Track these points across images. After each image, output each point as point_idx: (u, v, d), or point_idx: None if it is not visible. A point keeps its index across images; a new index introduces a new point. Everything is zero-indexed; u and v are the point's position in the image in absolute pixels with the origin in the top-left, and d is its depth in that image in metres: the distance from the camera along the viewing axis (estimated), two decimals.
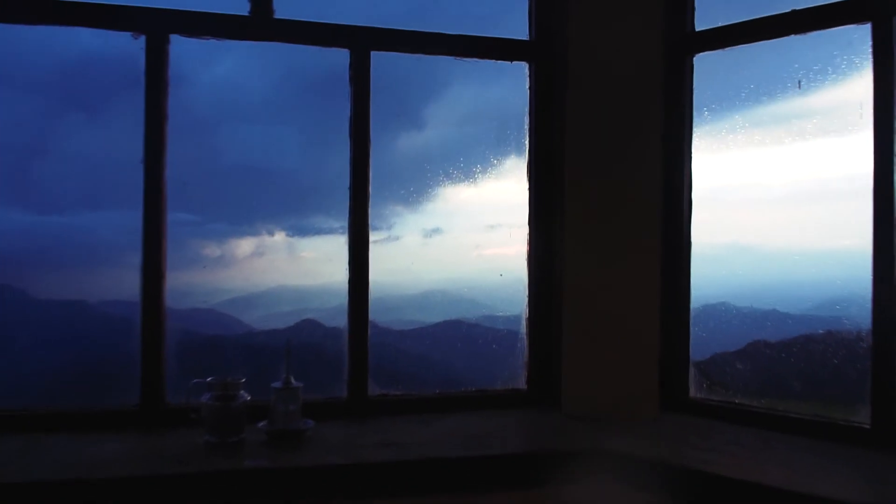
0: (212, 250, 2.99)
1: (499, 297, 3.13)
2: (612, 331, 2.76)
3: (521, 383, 3.04)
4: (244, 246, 3.04)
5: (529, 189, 3.03)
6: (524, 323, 3.06)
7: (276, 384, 2.43)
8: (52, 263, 3.02)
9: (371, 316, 2.77)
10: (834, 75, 2.58)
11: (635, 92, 2.78)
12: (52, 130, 2.91)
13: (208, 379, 2.35)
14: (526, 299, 3.05)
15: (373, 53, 2.78)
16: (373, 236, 2.77)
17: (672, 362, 2.84)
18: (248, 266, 3.07)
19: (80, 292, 3.00)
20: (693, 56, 2.83)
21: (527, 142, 3.04)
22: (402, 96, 2.98)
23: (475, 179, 3.10)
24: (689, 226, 2.88)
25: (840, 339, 2.64)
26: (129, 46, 2.53)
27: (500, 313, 3.18)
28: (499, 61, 2.99)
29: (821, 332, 2.74)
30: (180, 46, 2.58)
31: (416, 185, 3.07)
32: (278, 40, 2.73)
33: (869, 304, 2.38)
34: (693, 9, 2.85)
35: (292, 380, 2.46)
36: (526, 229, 3.01)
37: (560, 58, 2.88)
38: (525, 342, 3.07)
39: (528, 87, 3.01)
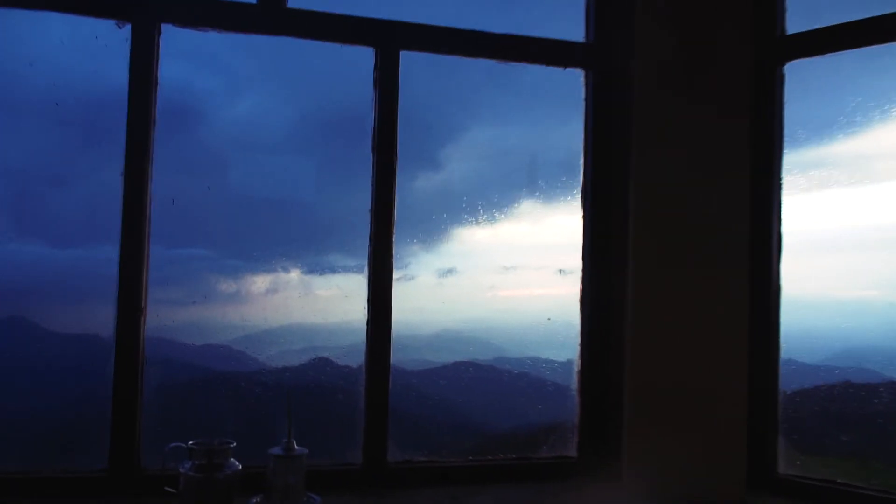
0: (227, 286, 3.00)
1: (521, 339, 3.09)
2: (688, 399, 2.26)
3: (571, 448, 2.63)
4: (259, 282, 3.04)
5: (584, 222, 2.70)
6: (575, 377, 2.71)
7: (276, 450, 1.99)
8: (67, 296, 3.03)
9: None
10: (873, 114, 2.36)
11: (718, 107, 2.28)
12: (73, 162, 2.95)
13: (190, 443, 1.92)
14: (578, 349, 2.70)
15: (402, 55, 2.51)
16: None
17: (758, 432, 2.35)
18: (262, 302, 3.07)
19: (94, 326, 3.00)
20: (784, 65, 2.36)
21: (581, 165, 2.74)
22: (419, 136, 3.01)
23: (491, 220, 3.10)
24: (779, 272, 2.43)
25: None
26: (163, 83, 2.55)
27: (533, 356, 3.14)
28: (554, 76, 2.69)
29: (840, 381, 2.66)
30: (202, 83, 2.62)
31: (432, 224, 3.08)
32: (291, 34, 2.35)
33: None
34: (783, 7, 2.35)
35: (294, 445, 2.01)
36: (572, 268, 2.84)
37: (621, 65, 2.44)
38: (576, 400, 2.68)
39: (583, 97, 2.69)
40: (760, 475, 2.31)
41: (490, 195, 3.09)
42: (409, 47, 2.48)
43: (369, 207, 2.59)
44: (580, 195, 2.81)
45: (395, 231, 2.68)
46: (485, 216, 3.08)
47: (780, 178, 2.44)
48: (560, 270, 2.94)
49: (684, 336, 2.33)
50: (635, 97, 2.36)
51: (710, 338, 2.33)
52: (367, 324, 2.56)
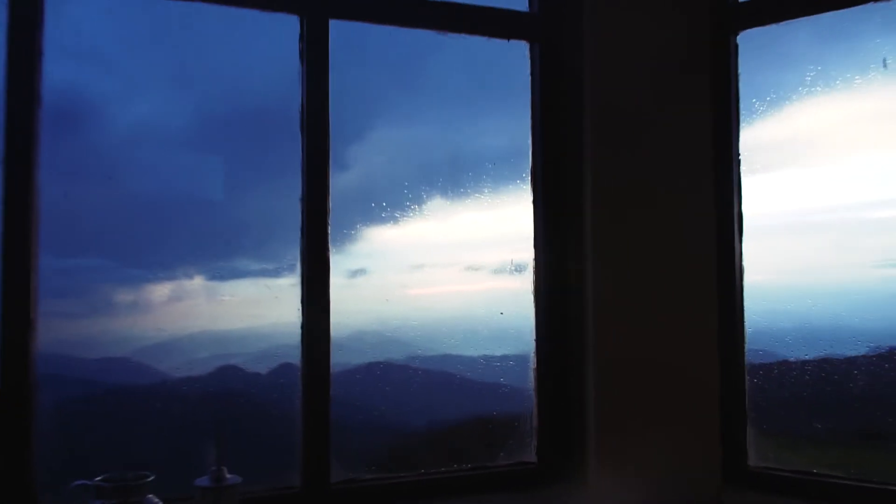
0: (126, 295, 2.87)
1: (434, 337, 3.10)
2: (659, 385, 2.15)
3: (529, 454, 2.55)
4: (160, 290, 2.93)
5: (536, 206, 2.54)
6: (532, 375, 2.61)
7: (203, 481, 1.79)
8: None
9: (292, 359, 2.70)
10: None
11: (678, 80, 2.18)
12: None
13: (97, 479, 1.65)
14: (534, 345, 2.59)
15: (332, 24, 2.41)
16: (295, 278, 2.72)
17: (729, 423, 2.24)
18: (164, 311, 2.96)
19: None
20: (737, 34, 2.27)
21: (530, 144, 2.58)
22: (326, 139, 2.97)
23: (401, 219, 3.10)
24: (742, 252, 2.36)
25: None
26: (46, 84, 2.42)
27: (430, 353, 3.15)
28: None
29: None
30: (95, 83, 2.50)
31: (340, 225, 3.04)
32: (209, 1, 2.25)
33: None
34: None
35: (226, 473, 1.80)
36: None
37: (571, 37, 2.28)
38: (534, 400, 2.56)
39: (528, 72, 2.53)
40: (734, 469, 2.20)
41: (399, 194, 3.09)
42: (339, 15, 2.35)
43: (300, 196, 2.42)
44: (529, 180, 2.64)
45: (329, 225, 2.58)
46: (394, 215, 3.07)
47: (737, 154, 2.35)
48: (470, 267, 2.97)
49: (652, 324, 2.25)
50: (588, 70, 2.19)
51: (679, 325, 2.24)
52: (302, 328, 2.50)
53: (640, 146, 2.25)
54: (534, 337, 2.58)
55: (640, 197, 2.25)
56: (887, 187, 2.39)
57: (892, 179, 2.38)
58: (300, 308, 2.43)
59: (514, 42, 2.66)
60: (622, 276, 2.21)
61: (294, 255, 2.70)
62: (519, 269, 2.90)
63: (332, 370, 2.72)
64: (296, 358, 2.71)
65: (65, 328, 2.54)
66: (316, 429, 2.27)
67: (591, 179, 2.27)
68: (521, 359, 2.99)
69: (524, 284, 2.95)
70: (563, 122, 2.46)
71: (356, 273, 3.02)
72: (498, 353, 3.08)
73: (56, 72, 2.40)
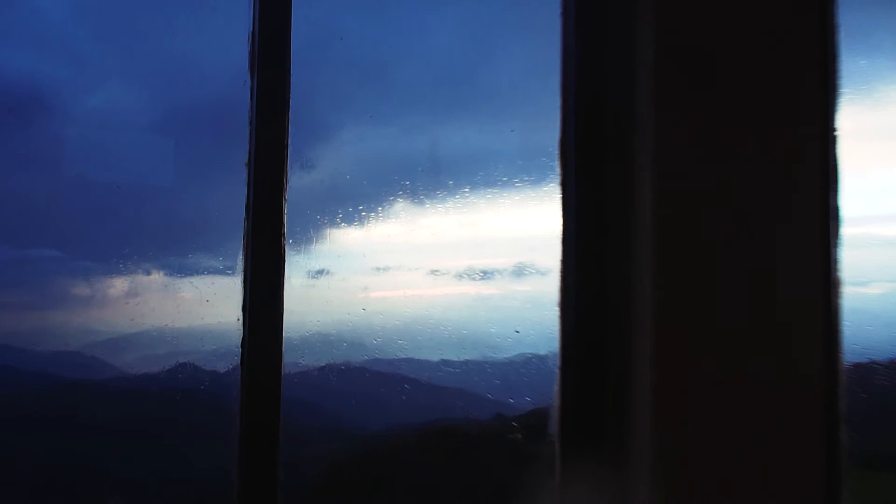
0: (81, 289, 2.81)
1: (394, 340, 3.09)
2: (743, 410, 1.46)
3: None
4: (117, 285, 2.87)
5: (566, 188, 1.59)
6: (556, 389, 1.86)
7: None
8: None
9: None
10: None
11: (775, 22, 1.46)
12: None
13: None
14: (559, 359, 1.75)
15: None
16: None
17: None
18: (121, 306, 2.90)
19: None
20: None
21: (560, 105, 1.64)
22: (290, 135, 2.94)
23: (364, 221, 3.09)
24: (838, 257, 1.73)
25: None
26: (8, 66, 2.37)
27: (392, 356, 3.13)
28: None
29: None
30: (52, 73, 2.44)
31: (303, 224, 3.02)
32: None
33: None
34: None
35: None
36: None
37: None
38: (556, 435, 1.70)
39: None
40: None
41: (364, 195, 3.08)
42: None
43: (245, 180, 2.04)
44: (558, 164, 1.92)
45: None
46: (358, 216, 3.06)
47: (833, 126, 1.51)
48: (433, 271, 2.98)
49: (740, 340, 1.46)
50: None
51: (773, 345, 1.41)
52: (242, 346, 1.70)
53: (725, 103, 1.54)
54: (559, 357, 1.68)
55: (719, 181, 1.52)
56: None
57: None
58: (240, 317, 1.67)
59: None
60: (691, 283, 1.36)
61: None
62: (484, 275, 2.92)
63: (287, 371, 2.66)
64: None
65: (18, 320, 2.48)
66: (260, 458, 1.66)
67: (651, 152, 1.52)
68: (480, 364, 3.00)
69: (488, 290, 2.97)
70: (610, 66, 1.45)
71: (318, 273, 3.01)
72: (460, 357, 3.09)
73: (8, 60, 2.34)
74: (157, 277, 2.85)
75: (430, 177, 3.04)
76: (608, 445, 1.62)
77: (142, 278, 2.84)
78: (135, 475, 2.50)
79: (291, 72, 2.55)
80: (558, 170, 1.89)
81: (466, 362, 3.10)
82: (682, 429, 1.48)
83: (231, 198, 2.72)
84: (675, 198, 1.51)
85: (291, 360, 3.21)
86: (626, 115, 1.66)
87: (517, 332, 2.79)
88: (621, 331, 1.66)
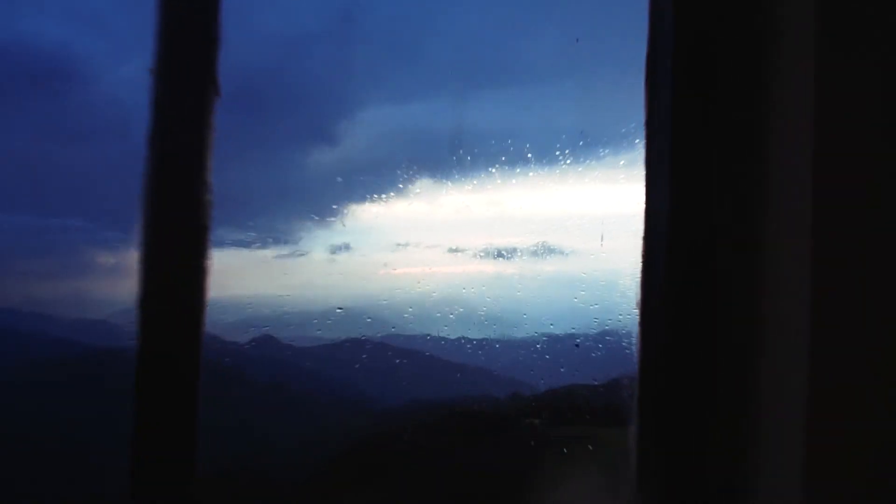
0: (107, 258, 2.86)
1: (414, 316, 3.09)
2: None
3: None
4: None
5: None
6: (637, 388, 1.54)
7: None
8: None
9: (271, 331, 2.70)
10: None
11: None
12: None
13: None
14: (639, 344, 1.36)
15: None
16: (278, 250, 2.71)
17: None
18: None
19: None
20: None
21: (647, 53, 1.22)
22: (316, 111, 2.96)
23: (386, 197, 3.10)
24: None
25: None
26: (30, 41, 2.39)
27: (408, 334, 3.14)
28: None
29: None
30: (84, 44, 2.46)
31: (326, 200, 3.04)
32: None
33: None
34: None
35: None
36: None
37: None
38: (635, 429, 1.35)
39: None
40: None
41: (386, 172, 3.09)
42: None
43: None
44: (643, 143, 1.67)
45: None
46: (380, 193, 3.07)
47: None
48: (454, 248, 2.98)
49: None
50: None
51: None
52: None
53: None
54: (638, 342, 1.32)
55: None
56: None
57: None
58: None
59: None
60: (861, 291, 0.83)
61: (278, 228, 2.69)
62: (504, 254, 2.92)
63: (307, 345, 2.72)
64: (277, 330, 2.72)
65: (44, 287, 2.53)
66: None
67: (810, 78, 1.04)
68: (498, 342, 3.01)
69: (508, 268, 2.97)
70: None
71: (339, 249, 3.03)
72: (478, 335, 3.10)
73: (39, 30, 2.36)
74: None
75: (453, 155, 3.03)
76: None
77: None
78: None
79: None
80: (643, 132, 1.14)
81: (485, 340, 3.12)
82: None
83: (258, 172, 2.74)
84: (846, 182, 1.02)
85: (310, 333, 3.25)
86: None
87: (525, 315, 2.80)
88: (737, 350, 1.16)
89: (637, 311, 1.21)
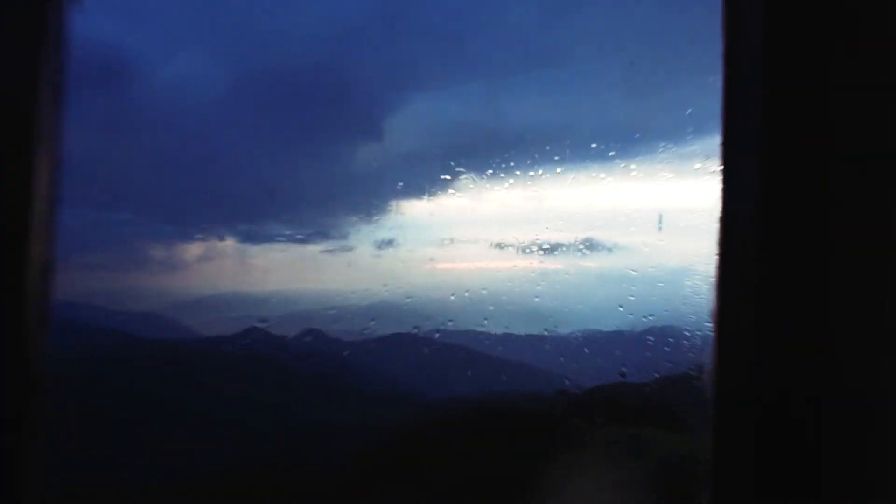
0: (157, 251, 2.92)
1: (458, 311, 3.09)
2: None
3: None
4: (192, 249, 2.97)
5: (730, 116, 0.78)
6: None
7: None
8: None
9: (318, 325, 2.73)
10: None
11: None
12: None
13: None
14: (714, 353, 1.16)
15: None
16: (325, 245, 2.73)
17: None
18: (195, 270, 3.00)
19: None
20: None
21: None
22: (362, 105, 2.97)
23: (431, 192, 3.09)
24: None
25: None
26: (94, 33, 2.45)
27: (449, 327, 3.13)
28: None
29: None
30: (134, 41, 2.52)
31: (370, 195, 3.05)
32: None
33: None
34: None
35: None
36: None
37: None
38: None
39: None
40: None
41: (431, 167, 3.08)
42: None
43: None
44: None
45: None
46: (425, 188, 3.07)
47: None
48: (498, 244, 2.96)
49: None
50: None
51: None
52: None
53: None
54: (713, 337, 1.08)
55: None
56: None
57: None
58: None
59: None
60: None
61: (325, 223, 2.71)
62: (549, 249, 2.89)
63: (352, 339, 2.75)
64: (323, 324, 2.74)
65: (97, 280, 2.59)
66: None
67: None
68: (542, 339, 2.99)
69: (553, 264, 2.94)
70: None
71: (384, 244, 3.04)
72: (522, 331, 3.08)
73: (95, 27, 2.41)
74: (231, 243, 2.93)
75: (497, 150, 3.01)
76: None
77: (215, 243, 2.92)
78: (199, 434, 2.60)
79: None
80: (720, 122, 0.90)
81: (530, 336, 3.09)
82: None
83: (305, 168, 2.76)
84: None
85: (356, 328, 3.27)
86: None
87: (570, 311, 2.75)
88: None
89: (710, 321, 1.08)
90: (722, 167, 0.99)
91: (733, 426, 0.91)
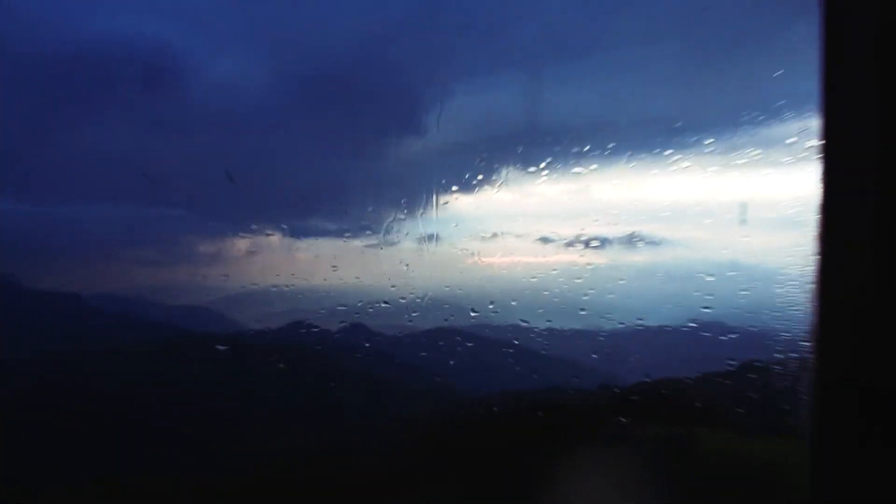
0: (206, 246, 2.97)
1: (503, 306, 3.07)
2: None
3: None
4: (238, 244, 3.02)
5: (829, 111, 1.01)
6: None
7: None
8: (46, 255, 2.99)
9: (362, 319, 2.74)
10: None
11: None
12: (51, 121, 2.89)
13: None
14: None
15: None
16: (368, 240, 2.75)
17: None
18: (242, 264, 3.04)
19: (72, 285, 2.97)
20: None
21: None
22: (403, 99, 2.97)
23: (474, 187, 3.08)
24: None
25: None
26: (135, 40, 2.51)
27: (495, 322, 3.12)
28: None
29: None
30: (182, 41, 2.56)
31: (413, 190, 3.05)
32: None
33: None
34: None
35: None
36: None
37: None
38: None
39: None
40: None
41: (474, 162, 3.07)
42: None
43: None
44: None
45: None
46: (469, 183, 3.06)
47: None
48: (542, 238, 2.94)
49: None
50: None
51: None
52: None
53: None
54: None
55: None
56: None
57: None
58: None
59: None
60: None
61: (369, 217, 2.72)
62: (594, 244, 2.85)
63: (395, 333, 2.79)
64: (367, 318, 2.76)
65: (145, 274, 2.65)
66: None
67: None
68: (587, 333, 2.95)
69: (598, 258, 2.90)
70: None
71: (427, 238, 3.04)
72: (566, 326, 3.05)
73: (145, 28, 2.46)
74: (276, 238, 2.96)
75: (541, 143, 2.98)
76: None
77: (261, 238, 2.96)
78: (245, 426, 2.64)
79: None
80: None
81: (573, 331, 3.06)
82: None
83: (349, 163, 2.78)
84: None
85: (399, 322, 3.28)
86: None
87: (616, 306, 2.71)
88: None
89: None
90: (823, 157, 0.93)
91: (835, 425, 0.92)
